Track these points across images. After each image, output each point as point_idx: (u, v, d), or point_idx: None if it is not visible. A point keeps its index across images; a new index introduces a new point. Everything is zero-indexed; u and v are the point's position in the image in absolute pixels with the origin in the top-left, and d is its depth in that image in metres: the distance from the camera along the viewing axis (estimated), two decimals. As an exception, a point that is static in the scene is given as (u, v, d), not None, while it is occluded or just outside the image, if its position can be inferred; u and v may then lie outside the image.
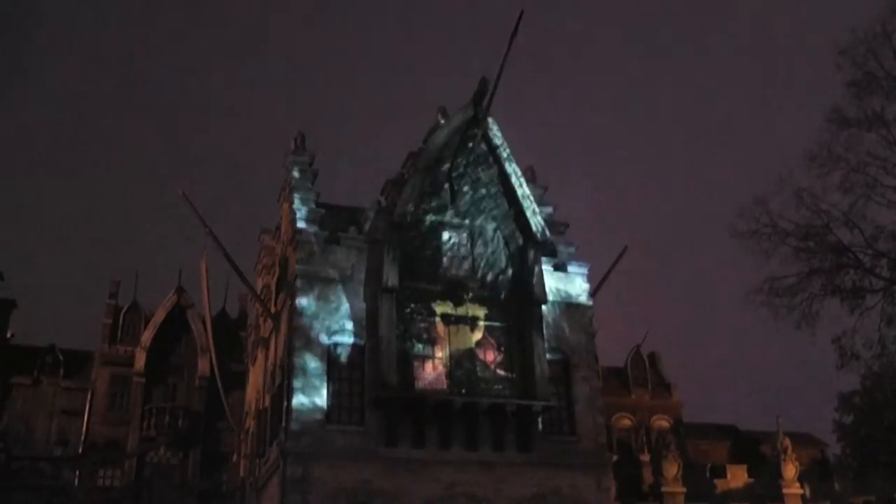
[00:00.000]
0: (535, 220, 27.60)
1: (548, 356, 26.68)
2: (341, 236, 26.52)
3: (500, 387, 25.89)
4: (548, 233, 27.97)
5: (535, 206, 28.01)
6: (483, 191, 28.12)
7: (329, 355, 24.98)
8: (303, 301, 25.34)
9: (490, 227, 28.00)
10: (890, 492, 33.99)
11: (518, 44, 24.81)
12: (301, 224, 26.39)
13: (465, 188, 28.03)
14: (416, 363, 25.44)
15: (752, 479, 41.84)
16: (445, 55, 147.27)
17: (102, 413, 43.80)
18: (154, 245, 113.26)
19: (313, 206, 27.13)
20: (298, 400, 23.97)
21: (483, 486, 24.70)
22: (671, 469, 39.40)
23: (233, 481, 37.06)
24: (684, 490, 39.26)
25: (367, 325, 25.51)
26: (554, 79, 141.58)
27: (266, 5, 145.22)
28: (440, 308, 26.30)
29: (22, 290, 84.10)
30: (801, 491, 40.67)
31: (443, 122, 27.89)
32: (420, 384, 25.22)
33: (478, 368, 25.97)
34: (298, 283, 25.57)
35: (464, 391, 25.34)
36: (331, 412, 24.29)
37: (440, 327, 26.13)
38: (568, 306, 28.40)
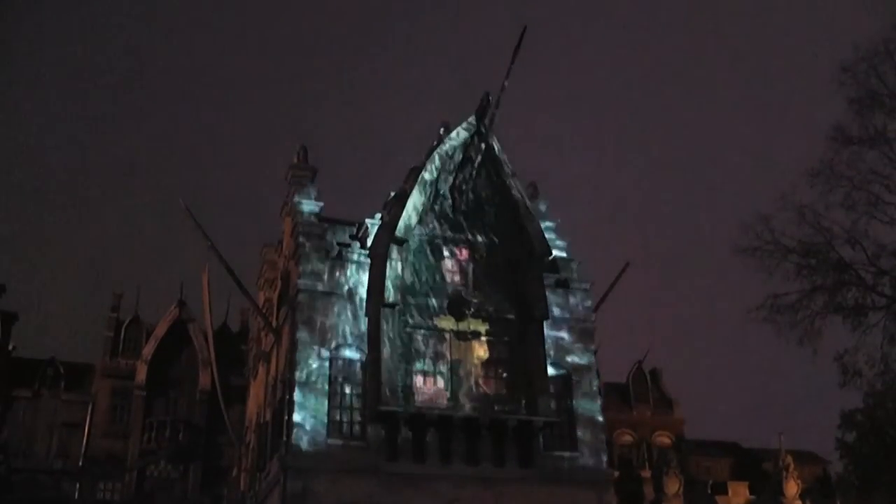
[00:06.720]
0: (537, 236, 27.61)
1: (549, 372, 26.67)
2: (343, 251, 26.58)
3: (501, 402, 25.89)
4: (549, 249, 28.00)
5: (536, 221, 28.03)
6: (485, 206, 28.18)
7: (330, 369, 25.02)
8: (304, 315, 25.37)
9: (492, 242, 28.03)
10: (892, 510, 33.79)
11: (521, 59, 24.92)
12: (303, 238, 26.44)
13: (467, 203, 28.09)
14: (416, 378, 25.53)
15: (753, 497, 41.65)
16: (449, 70, 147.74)
17: (103, 426, 43.74)
18: (156, 258, 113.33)
19: (315, 220, 27.18)
20: (299, 414, 24.01)
21: (484, 501, 24.62)
22: (672, 486, 39.23)
23: (233, 495, 36.95)
24: (686, 507, 39.13)
25: (369, 339, 25.54)
26: (557, 95, 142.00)
27: (269, 17, 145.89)
28: (441, 323, 26.35)
29: (23, 302, 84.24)
30: (802, 509, 40.48)
31: (445, 137, 27.97)
32: (421, 399, 25.27)
33: (479, 383, 25.99)
34: (300, 297, 25.61)
35: (464, 406, 25.37)
36: (332, 426, 24.33)
37: (441, 342, 26.18)
38: (569, 322, 28.39)
